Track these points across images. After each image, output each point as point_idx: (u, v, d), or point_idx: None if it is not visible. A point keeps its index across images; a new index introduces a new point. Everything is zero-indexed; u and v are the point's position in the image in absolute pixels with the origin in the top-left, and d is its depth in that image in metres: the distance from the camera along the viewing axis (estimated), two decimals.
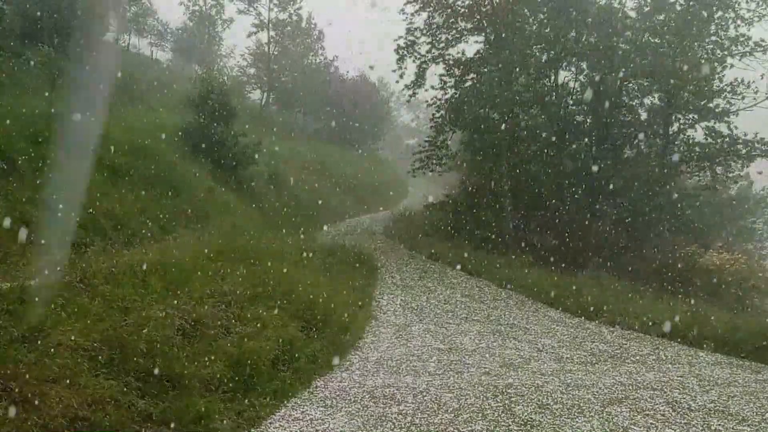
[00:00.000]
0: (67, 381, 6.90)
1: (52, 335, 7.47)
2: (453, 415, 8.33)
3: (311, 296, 12.06)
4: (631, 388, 9.92)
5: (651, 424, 8.32)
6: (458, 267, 20.63)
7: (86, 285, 9.15)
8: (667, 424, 8.35)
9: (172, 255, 11.84)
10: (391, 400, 8.79)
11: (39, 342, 7.29)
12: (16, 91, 20.46)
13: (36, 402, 6.46)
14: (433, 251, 22.94)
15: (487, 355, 11.58)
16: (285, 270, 13.20)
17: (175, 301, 9.47)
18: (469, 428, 7.88)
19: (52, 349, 7.25)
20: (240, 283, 11.37)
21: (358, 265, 18.55)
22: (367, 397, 8.89)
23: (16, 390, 6.47)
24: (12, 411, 6.26)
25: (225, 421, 7.59)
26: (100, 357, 7.57)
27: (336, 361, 10.51)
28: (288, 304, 11.35)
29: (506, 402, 8.92)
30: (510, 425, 8.03)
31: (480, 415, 8.37)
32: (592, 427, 8.11)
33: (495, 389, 9.50)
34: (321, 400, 8.68)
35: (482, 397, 9.11)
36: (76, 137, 16.05)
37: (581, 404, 8.98)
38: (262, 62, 48.66)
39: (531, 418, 8.30)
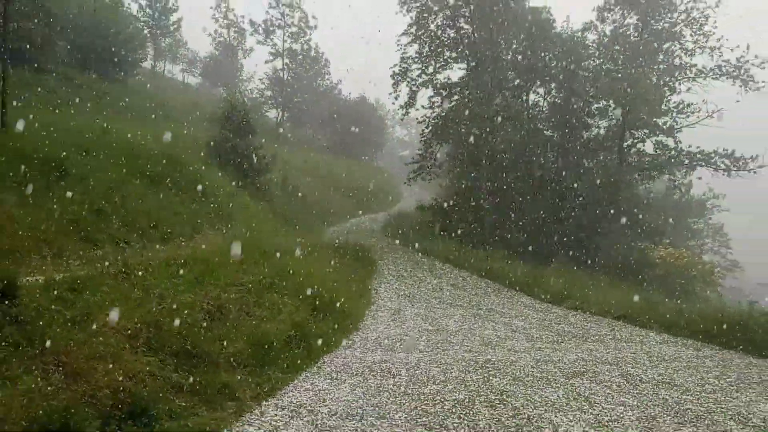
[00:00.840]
0: (111, 357, 6.90)
1: (98, 319, 7.47)
2: (440, 386, 8.35)
3: (319, 285, 12.06)
4: (591, 363, 9.94)
5: (608, 393, 8.33)
6: (444, 260, 20.63)
7: (127, 275, 9.14)
8: (621, 393, 8.36)
9: (200, 250, 11.84)
10: (388, 373, 8.80)
11: (87, 324, 7.30)
12: (68, 109, 20.45)
13: (85, 375, 6.46)
14: (423, 247, 22.95)
15: (468, 335, 11.59)
16: (296, 263, 13.20)
17: (203, 290, 9.47)
18: (454, 397, 7.89)
19: (98, 331, 7.25)
20: (258, 274, 11.37)
21: (358, 258, 18.54)
22: (366, 370, 8.90)
23: (69, 365, 6.47)
24: (65, 382, 6.26)
25: (246, 391, 7.60)
26: (139, 337, 7.57)
27: (340, 340, 10.51)
28: (299, 291, 11.35)
29: (485, 375, 8.93)
30: (488, 394, 8.05)
31: (463, 386, 8.38)
32: (558, 396, 8.12)
33: (475, 364, 9.50)
34: (327, 374, 8.69)
35: (465, 370, 9.12)
36: (118, 148, 16.05)
37: (549, 377, 8.99)
38: (277, 85, 48.63)
39: (506, 389, 8.31)
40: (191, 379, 7.35)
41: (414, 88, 26.89)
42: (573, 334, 12.19)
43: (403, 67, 26.99)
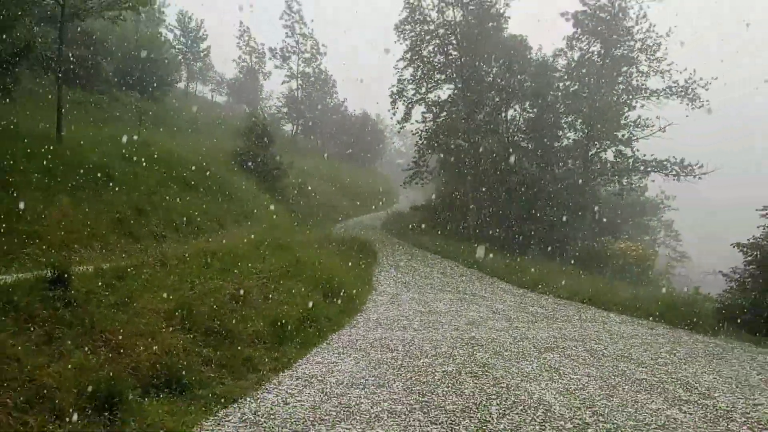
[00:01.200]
0: (150, 335, 6.89)
1: (139, 302, 7.47)
2: (431, 359, 8.34)
3: (328, 274, 12.05)
4: (560, 339, 9.93)
5: (575, 365, 8.33)
6: (435, 252, 20.61)
7: (164, 265, 9.13)
8: (586, 365, 8.36)
9: (227, 244, 11.82)
10: (386, 348, 8.79)
11: (130, 306, 7.29)
12: (114, 124, 20.43)
13: (127, 350, 6.46)
14: (417, 241, 22.94)
15: (456, 316, 11.59)
16: (309, 255, 13.18)
17: (229, 277, 9.46)
18: (443, 369, 7.88)
19: (139, 312, 7.25)
20: (276, 264, 11.35)
21: (362, 251, 18.53)
22: (368, 346, 8.89)
23: (113, 342, 6.47)
24: (110, 356, 6.26)
25: (265, 364, 7.59)
26: (174, 317, 7.56)
27: (346, 320, 10.51)
28: (311, 279, 11.34)
29: (470, 350, 8.92)
30: (472, 366, 8.04)
31: (451, 359, 8.37)
32: (533, 368, 8.12)
33: (462, 341, 9.50)
34: (335, 349, 8.68)
35: (453, 346, 9.11)
36: (157, 158, 16.04)
37: (524, 351, 8.99)
38: (292, 103, 48.58)
39: (488, 362, 8.31)
40: (218, 353, 7.34)
41: (409, 106, 27.00)
42: (545, 315, 12.19)
43: (400, 88, 27.18)
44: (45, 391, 5.32)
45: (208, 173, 17.70)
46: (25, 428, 4.96)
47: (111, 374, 5.84)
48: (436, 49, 26.83)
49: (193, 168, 16.96)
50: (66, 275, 6.89)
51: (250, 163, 23.48)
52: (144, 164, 14.87)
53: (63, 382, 5.51)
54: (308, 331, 9.12)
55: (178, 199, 14.15)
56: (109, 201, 11.98)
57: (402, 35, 27.10)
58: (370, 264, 17.49)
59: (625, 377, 7.87)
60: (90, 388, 5.58)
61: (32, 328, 6.07)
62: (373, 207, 36.49)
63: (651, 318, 12.27)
